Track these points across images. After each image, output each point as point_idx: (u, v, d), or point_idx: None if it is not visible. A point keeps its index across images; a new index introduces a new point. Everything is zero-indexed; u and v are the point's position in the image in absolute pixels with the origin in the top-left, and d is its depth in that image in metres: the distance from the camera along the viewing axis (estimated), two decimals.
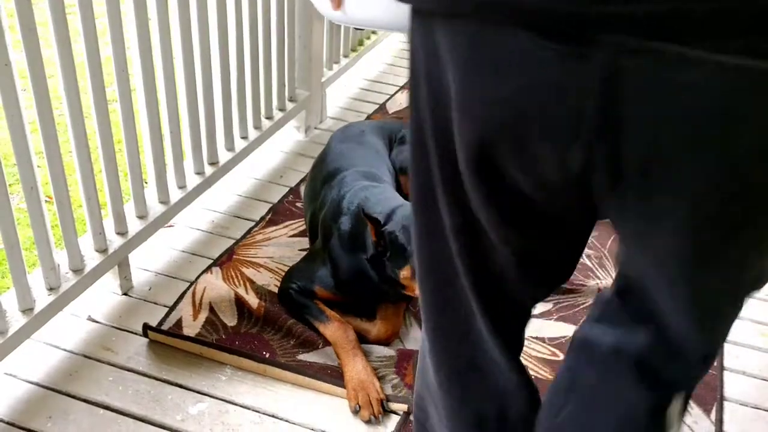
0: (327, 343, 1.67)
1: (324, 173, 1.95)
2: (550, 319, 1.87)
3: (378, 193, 1.76)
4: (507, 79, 0.70)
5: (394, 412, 1.55)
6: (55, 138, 1.51)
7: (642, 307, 0.87)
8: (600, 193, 0.75)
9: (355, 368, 1.58)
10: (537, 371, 1.68)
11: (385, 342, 1.72)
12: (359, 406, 1.53)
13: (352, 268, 1.70)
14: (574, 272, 2.02)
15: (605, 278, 2.01)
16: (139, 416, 1.51)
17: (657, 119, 0.66)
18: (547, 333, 1.81)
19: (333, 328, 1.65)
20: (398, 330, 1.76)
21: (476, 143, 0.76)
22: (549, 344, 1.78)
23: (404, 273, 1.58)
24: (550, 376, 1.66)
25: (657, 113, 0.66)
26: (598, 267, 2.08)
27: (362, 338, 1.71)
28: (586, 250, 2.12)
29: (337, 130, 2.20)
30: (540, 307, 1.90)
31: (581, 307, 1.92)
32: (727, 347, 1.82)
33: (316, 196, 1.93)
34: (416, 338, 1.76)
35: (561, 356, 1.74)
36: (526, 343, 1.76)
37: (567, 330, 1.82)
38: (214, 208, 2.25)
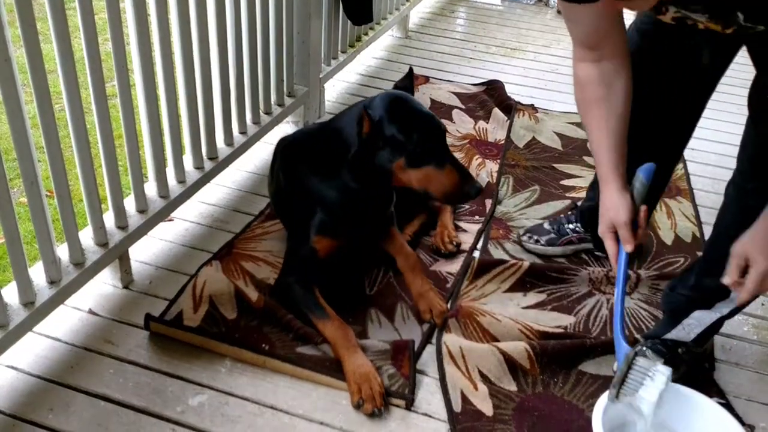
0: (325, 340, 1.67)
1: (273, 155, 2.03)
2: (545, 309, 1.89)
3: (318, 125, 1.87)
4: None
5: (395, 405, 1.57)
6: (55, 133, 1.52)
7: None
8: None
9: (356, 363, 1.59)
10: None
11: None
12: (362, 401, 1.54)
13: (337, 191, 1.75)
14: (568, 263, 2.09)
15: (596, 268, 2.04)
16: (140, 408, 1.53)
17: None
18: (543, 322, 1.83)
19: (332, 327, 1.66)
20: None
21: None
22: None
23: (399, 164, 1.63)
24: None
25: None
26: (593, 260, 2.11)
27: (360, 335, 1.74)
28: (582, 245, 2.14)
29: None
30: (534, 298, 1.92)
31: (575, 296, 1.94)
32: (722, 340, 1.84)
33: (273, 177, 1.99)
34: (411, 330, 1.78)
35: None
36: (524, 332, 1.79)
37: (562, 319, 1.85)
38: (213, 203, 2.27)
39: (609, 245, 1.45)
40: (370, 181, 1.71)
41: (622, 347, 1.43)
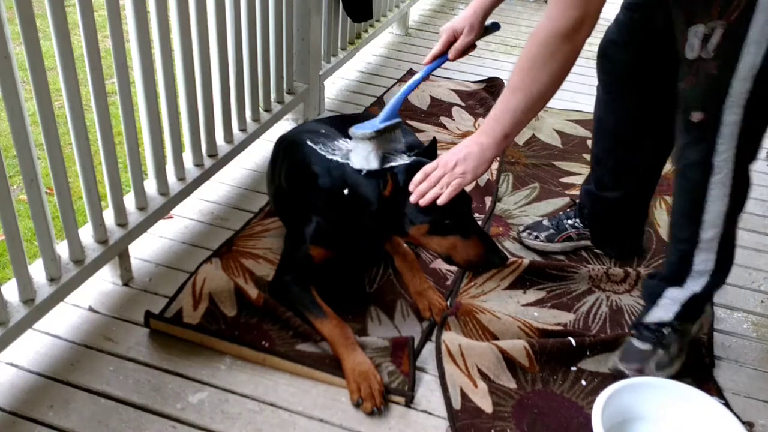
0: (324, 338, 1.67)
1: (273, 153, 1.99)
2: (545, 307, 1.89)
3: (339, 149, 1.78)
4: None
5: (394, 402, 1.58)
6: (55, 130, 1.52)
7: None
8: None
9: (355, 361, 1.59)
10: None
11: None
12: (362, 399, 1.54)
13: (340, 219, 1.72)
14: (567, 260, 2.12)
15: (596, 265, 2.04)
16: (140, 405, 1.53)
17: None
18: (542, 321, 1.83)
19: (330, 326, 1.66)
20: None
21: None
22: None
23: (419, 229, 1.58)
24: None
25: None
26: (593, 257, 2.11)
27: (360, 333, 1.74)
28: (581, 242, 2.15)
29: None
30: (534, 295, 1.92)
31: (574, 293, 1.94)
32: (721, 338, 1.84)
33: (274, 177, 1.95)
34: (411, 327, 1.78)
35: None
36: (524, 329, 1.80)
37: (561, 317, 1.85)
38: (213, 200, 2.27)
39: (442, 42, 1.72)
40: (380, 226, 1.67)
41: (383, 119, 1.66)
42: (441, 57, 1.73)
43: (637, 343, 1.67)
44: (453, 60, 1.73)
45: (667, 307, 1.64)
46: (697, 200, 1.48)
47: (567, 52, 1.35)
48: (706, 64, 1.35)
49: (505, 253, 1.67)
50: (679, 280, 1.62)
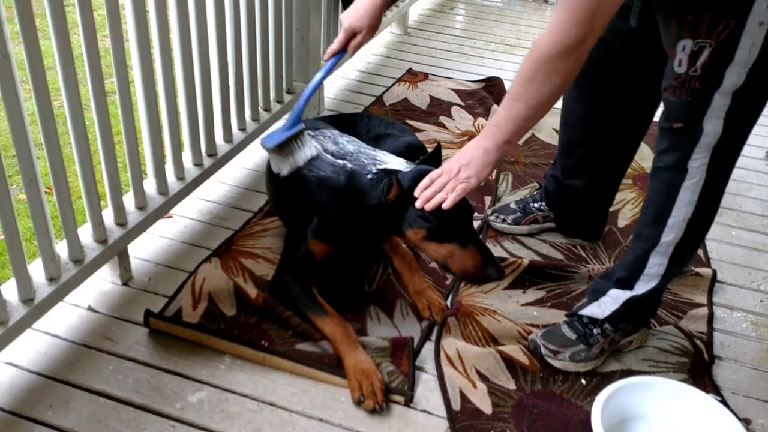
0: (325, 337, 1.67)
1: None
2: (544, 306, 1.89)
3: (359, 148, 1.79)
4: None
5: (394, 402, 1.58)
6: (54, 130, 1.52)
7: None
8: None
9: (357, 359, 1.59)
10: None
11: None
12: (363, 397, 1.54)
13: (341, 216, 1.72)
14: (567, 260, 2.10)
15: (595, 265, 2.04)
16: (139, 404, 1.53)
17: None
18: (541, 320, 1.83)
19: (331, 324, 1.66)
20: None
21: None
22: None
23: (417, 233, 1.58)
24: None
25: None
26: (592, 257, 2.11)
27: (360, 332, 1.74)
28: (581, 241, 2.16)
29: None
30: (533, 295, 1.92)
31: (574, 293, 1.94)
32: (721, 337, 1.85)
33: (272, 175, 1.92)
34: (410, 326, 1.78)
35: None
36: (522, 333, 1.79)
37: (561, 317, 1.84)
38: (212, 199, 2.27)
39: (340, 40, 1.81)
40: (379, 226, 1.68)
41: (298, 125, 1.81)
42: (340, 53, 1.85)
43: (565, 329, 1.70)
44: (352, 56, 1.88)
45: (606, 305, 1.66)
46: (666, 202, 1.50)
47: (569, 66, 1.35)
48: (692, 80, 1.38)
49: (503, 268, 1.66)
50: (629, 282, 1.63)
